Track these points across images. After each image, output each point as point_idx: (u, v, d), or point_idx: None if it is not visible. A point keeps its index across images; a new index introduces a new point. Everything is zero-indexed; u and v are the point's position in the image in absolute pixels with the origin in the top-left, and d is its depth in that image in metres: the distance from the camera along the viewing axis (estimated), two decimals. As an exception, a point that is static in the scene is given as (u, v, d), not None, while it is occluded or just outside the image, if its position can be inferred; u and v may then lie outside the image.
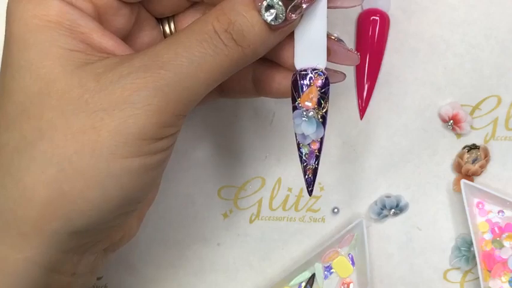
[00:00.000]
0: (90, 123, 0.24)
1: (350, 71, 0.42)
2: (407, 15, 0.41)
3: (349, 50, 0.29)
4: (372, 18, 0.40)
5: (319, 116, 0.27)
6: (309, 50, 0.27)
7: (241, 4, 0.25)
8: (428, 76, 0.41)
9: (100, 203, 0.24)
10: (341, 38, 0.30)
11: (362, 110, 0.42)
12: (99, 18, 0.27)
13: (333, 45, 0.29)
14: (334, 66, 0.30)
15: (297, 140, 0.28)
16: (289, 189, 0.43)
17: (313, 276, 0.42)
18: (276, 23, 0.25)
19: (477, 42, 0.41)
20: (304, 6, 0.25)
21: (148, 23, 0.30)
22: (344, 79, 0.31)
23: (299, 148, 0.28)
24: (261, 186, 0.42)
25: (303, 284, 0.42)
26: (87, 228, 0.25)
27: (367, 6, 0.41)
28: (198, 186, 0.43)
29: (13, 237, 0.24)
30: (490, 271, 0.40)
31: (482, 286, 0.40)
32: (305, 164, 0.28)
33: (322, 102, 0.27)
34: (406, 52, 0.41)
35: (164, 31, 0.31)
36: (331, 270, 0.43)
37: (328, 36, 0.28)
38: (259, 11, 0.25)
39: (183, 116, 0.26)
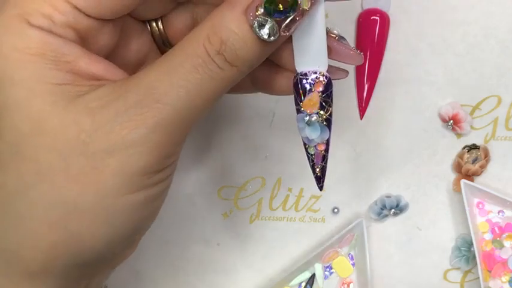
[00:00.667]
0: (90, 164, 0.23)
1: (350, 71, 0.41)
2: (408, 15, 0.41)
3: (351, 50, 0.28)
4: (372, 18, 0.40)
5: (323, 120, 0.27)
6: (308, 53, 0.26)
7: (232, 20, 0.24)
8: (428, 76, 0.41)
9: (108, 238, 0.24)
10: (342, 35, 0.29)
11: (362, 110, 0.42)
12: (82, 41, 0.25)
13: (334, 43, 0.28)
14: (337, 64, 0.30)
15: (303, 141, 0.28)
16: (289, 189, 0.43)
17: (313, 276, 0.42)
18: (270, 40, 0.24)
19: (477, 42, 0.41)
20: (298, 19, 0.24)
21: (135, 29, 0.29)
22: (347, 76, 0.30)
23: (306, 149, 0.28)
24: (261, 186, 0.42)
25: (303, 284, 0.42)
26: (96, 260, 0.25)
27: (367, 6, 0.41)
28: (198, 186, 0.43)
29: (20, 276, 0.24)
30: (490, 271, 0.40)
31: (482, 286, 0.40)
32: (313, 163, 0.28)
33: (326, 105, 0.27)
34: (406, 52, 0.41)
35: (153, 33, 0.30)
36: (331, 270, 0.43)
37: (329, 33, 0.27)
38: (252, 26, 0.24)
39: (183, 142, 0.25)
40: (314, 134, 0.27)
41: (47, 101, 0.23)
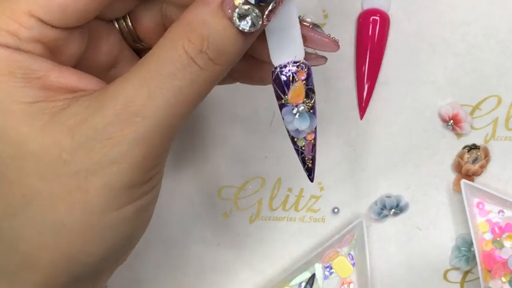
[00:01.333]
0: (74, 184, 0.22)
1: (350, 71, 0.42)
2: (408, 15, 0.41)
3: (326, 37, 0.27)
4: (372, 18, 0.40)
5: (309, 108, 0.26)
6: (284, 44, 0.25)
7: (211, 14, 0.23)
8: (429, 76, 0.41)
9: (101, 253, 0.24)
10: (316, 23, 0.28)
11: (362, 110, 0.42)
12: (51, 53, 0.25)
13: (308, 32, 0.27)
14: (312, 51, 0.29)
15: (290, 135, 0.27)
16: (289, 189, 0.43)
17: (313, 276, 0.42)
18: (252, 30, 0.23)
19: (477, 42, 0.41)
20: (277, 6, 0.23)
21: (103, 30, 0.28)
22: (325, 62, 0.29)
23: (294, 143, 0.27)
24: (261, 186, 0.42)
25: (303, 284, 0.42)
26: (94, 272, 0.25)
27: (367, 6, 0.41)
28: (198, 186, 0.43)
29: None
30: (490, 271, 0.40)
31: (482, 286, 0.40)
32: (303, 155, 0.28)
33: (310, 93, 0.26)
34: (406, 52, 0.41)
35: (122, 31, 0.29)
36: (331, 271, 0.43)
37: (301, 22, 0.26)
38: (231, 19, 0.23)
39: (168, 150, 0.25)
40: (304, 124, 0.26)
41: (22, 123, 0.23)
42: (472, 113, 0.41)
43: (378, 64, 0.41)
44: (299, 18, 0.26)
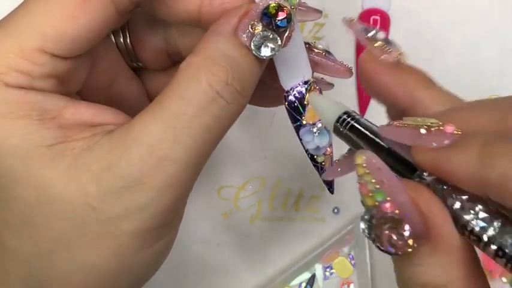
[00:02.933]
0: (105, 229, 0.22)
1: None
2: (408, 15, 0.41)
3: (337, 64, 0.27)
4: (372, 17, 0.40)
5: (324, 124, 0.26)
6: (292, 67, 0.25)
7: (229, 44, 0.22)
8: (429, 76, 0.41)
9: (133, 285, 0.25)
10: (329, 49, 0.28)
11: (362, 110, 0.41)
12: (63, 84, 0.24)
13: (320, 58, 0.27)
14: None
15: (309, 154, 0.27)
16: (289, 189, 0.43)
17: (313, 276, 0.42)
18: (271, 56, 0.23)
19: (477, 42, 0.41)
20: (293, 29, 0.23)
21: (103, 48, 0.27)
22: (331, 88, 0.29)
23: (313, 159, 0.27)
24: (261, 186, 0.42)
25: (303, 285, 0.42)
26: None
27: (367, 5, 0.41)
28: (198, 186, 0.43)
29: None
30: (490, 271, 0.40)
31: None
32: (323, 171, 0.27)
33: None
34: (406, 52, 0.41)
35: (119, 48, 0.29)
36: (332, 271, 0.43)
37: (312, 48, 0.26)
38: (248, 46, 0.22)
39: (193, 186, 0.24)
40: (324, 141, 0.26)
41: (44, 166, 0.22)
42: (472, 113, 0.41)
43: (378, 64, 0.41)
44: (310, 44, 0.26)
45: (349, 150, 0.24)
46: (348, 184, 0.42)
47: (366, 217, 0.19)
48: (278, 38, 0.22)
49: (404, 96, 0.23)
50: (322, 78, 0.28)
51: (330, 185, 0.28)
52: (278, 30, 0.22)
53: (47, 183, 0.22)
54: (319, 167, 0.27)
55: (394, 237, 0.18)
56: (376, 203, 0.19)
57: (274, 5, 0.22)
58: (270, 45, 0.22)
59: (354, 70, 0.41)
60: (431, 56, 0.41)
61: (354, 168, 0.20)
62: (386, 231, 0.19)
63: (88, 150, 0.22)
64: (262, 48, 0.22)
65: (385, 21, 0.41)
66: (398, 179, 0.19)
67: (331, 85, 0.28)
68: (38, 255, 0.23)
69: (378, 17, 0.40)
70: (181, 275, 0.43)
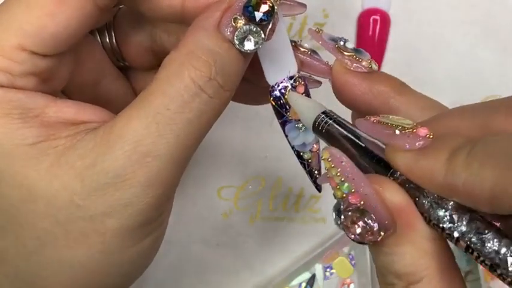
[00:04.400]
0: (91, 227, 0.22)
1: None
2: (408, 15, 0.41)
3: (323, 64, 0.27)
4: (372, 17, 0.40)
5: None
6: (277, 62, 0.25)
7: (211, 38, 0.22)
8: (429, 76, 0.41)
9: (120, 283, 0.25)
10: (315, 50, 0.27)
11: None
12: (44, 82, 0.24)
13: (306, 57, 0.26)
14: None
15: (295, 151, 0.27)
16: (289, 189, 0.42)
17: (313, 276, 0.42)
18: (254, 50, 0.22)
19: (477, 42, 0.41)
20: (276, 23, 0.23)
21: (87, 46, 0.27)
22: (319, 86, 0.28)
23: (300, 157, 0.27)
24: (261, 186, 0.42)
25: (303, 285, 0.42)
26: None
27: (367, 5, 0.41)
28: (198, 186, 0.43)
29: None
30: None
31: (483, 287, 0.40)
32: (309, 168, 0.27)
33: None
34: (406, 52, 0.41)
35: (105, 47, 0.28)
36: (332, 271, 0.43)
37: (298, 46, 0.26)
38: (231, 40, 0.22)
39: (178, 182, 0.24)
40: (310, 137, 0.26)
41: (27, 166, 0.22)
42: (472, 113, 0.41)
43: (378, 64, 0.41)
44: (297, 43, 0.26)
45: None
46: (348, 184, 0.42)
47: (336, 207, 0.21)
48: (261, 32, 0.22)
49: (380, 104, 0.24)
50: (310, 75, 0.28)
51: (317, 183, 0.28)
52: (261, 23, 0.22)
53: (30, 182, 0.22)
54: (305, 164, 0.27)
55: (361, 226, 0.20)
56: (344, 195, 0.20)
57: None
58: (253, 38, 0.22)
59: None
60: (432, 55, 0.41)
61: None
62: (354, 221, 0.20)
63: (71, 148, 0.22)
64: (246, 42, 0.22)
65: (385, 21, 0.41)
66: (362, 173, 0.20)
67: (319, 83, 0.28)
68: (25, 254, 0.23)
69: (377, 17, 0.40)
70: (181, 275, 0.43)
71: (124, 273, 0.24)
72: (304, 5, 0.26)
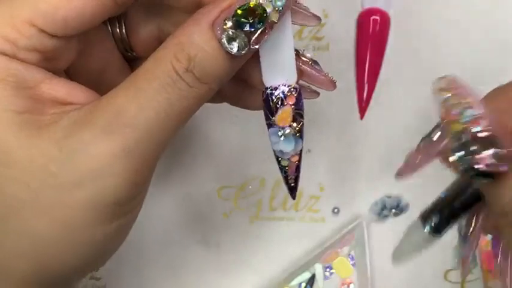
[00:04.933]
0: (59, 198, 0.22)
1: (350, 71, 0.41)
2: (408, 15, 0.41)
3: (322, 75, 0.27)
4: (372, 17, 0.40)
5: (295, 132, 0.26)
6: (277, 66, 0.25)
7: (200, 35, 0.23)
8: (429, 76, 0.41)
9: (78, 265, 0.24)
10: (316, 59, 0.28)
11: (362, 110, 0.41)
12: (48, 61, 0.24)
13: (306, 67, 0.27)
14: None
15: (275, 155, 0.27)
16: (289, 189, 0.42)
17: (313, 276, 0.42)
18: (240, 54, 0.23)
19: (477, 42, 0.41)
20: (267, 31, 0.23)
21: (98, 35, 0.28)
22: (317, 97, 0.29)
23: (278, 162, 0.27)
24: (261, 186, 0.42)
25: (303, 285, 0.42)
26: (67, 279, 0.25)
27: (367, 5, 0.41)
28: (198, 186, 0.43)
29: None
30: (490, 271, 0.40)
31: (483, 286, 0.40)
32: (286, 174, 0.28)
33: (298, 117, 0.26)
34: (406, 52, 0.41)
35: (115, 39, 0.29)
36: (332, 271, 0.43)
37: (300, 56, 0.26)
38: (220, 41, 0.23)
39: (155, 166, 0.24)
40: (288, 147, 0.26)
41: (9, 131, 0.22)
42: (472, 113, 0.41)
43: (378, 64, 0.41)
44: (299, 52, 0.27)
45: (423, 139, 0.23)
46: (348, 184, 0.42)
47: (457, 145, 0.19)
48: (245, 38, 0.23)
49: None
50: (308, 86, 0.28)
51: (292, 191, 0.28)
52: (246, 30, 0.23)
53: (8, 146, 0.22)
54: (282, 170, 0.28)
55: (492, 153, 0.18)
56: (465, 125, 0.19)
57: (253, 4, 0.22)
58: (238, 43, 0.23)
59: (353, 69, 0.41)
60: (432, 55, 0.41)
61: (434, 152, 0.19)
62: (484, 149, 0.18)
63: (55, 122, 0.23)
64: (231, 44, 0.23)
65: (385, 21, 0.41)
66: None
67: (317, 93, 0.28)
68: None
69: (377, 17, 0.40)
70: (182, 275, 0.43)
71: (84, 255, 0.24)
72: (319, 18, 0.27)
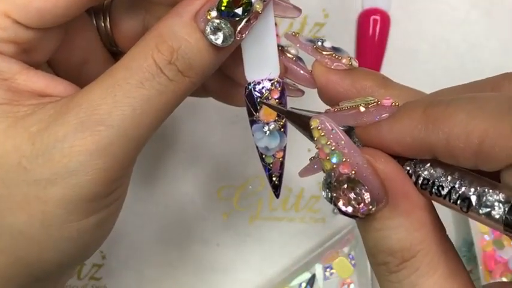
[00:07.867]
0: (34, 193, 0.22)
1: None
2: (408, 15, 0.41)
3: (306, 72, 0.26)
4: (372, 17, 0.40)
5: (280, 127, 0.26)
6: (259, 59, 0.25)
7: (183, 26, 0.22)
8: (429, 76, 0.41)
9: (60, 260, 0.24)
10: (300, 56, 0.27)
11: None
12: (25, 53, 0.24)
13: (289, 63, 0.26)
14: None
15: (259, 151, 0.27)
16: (289, 190, 0.42)
17: (313, 276, 0.42)
18: (225, 45, 0.22)
19: (477, 42, 0.41)
20: (251, 22, 0.22)
21: (81, 25, 0.27)
22: (302, 95, 0.28)
23: (262, 159, 0.27)
24: (261, 186, 0.42)
25: (303, 285, 0.42)
26: (53, 274, 0.25)
27: (367, 5, 0.41)
28: (198, 186, 0.43)
29: None
30: (491, 272, 0.40)
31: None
32: (270, 172, 0.27)
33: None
34: (406, 52, 0.41)
35: (100, 33, 0.28)
36: (332, 271, 0.43)
37: (284, 52, 0.26)
38: (203, 32, 0.22)
39: (133, 163, 0.24)
40: (274, 143, 0.26)
41: None
42: (472, 113, 0.41)
43: (378, 64, 0.41)
44: (284, 48, 0.26)
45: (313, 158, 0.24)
46: (348, 184, 0.42)
47: (326, 181, 0.20)
48: (231, 28, 0.22)
49: None
50: (294, 84, 0.28)
51: (276, 189, 0.28)
52: (232, 19, 0.22)
53: None
54: (266, 168, 0.27)
55: (353, 197, 0.19)
56: (334, 166, 0.19)
57: None
58: (223, 33, 0.22)
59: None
60: (432, 55, 0.41)
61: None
62: (345, 193, 0.19)
63: (31, 114, 0.22)
64: (215, 35, 0.22)
65: (385, 21, 0.41)
66: (352, 142, 0.19)
67: (301, 92, 0.28)
68: None
69: (377, 17, 0.40)
70: (181, 275, 0.43)
71: (63, 250, 0.23)
72: (299, 9, 0.26)
